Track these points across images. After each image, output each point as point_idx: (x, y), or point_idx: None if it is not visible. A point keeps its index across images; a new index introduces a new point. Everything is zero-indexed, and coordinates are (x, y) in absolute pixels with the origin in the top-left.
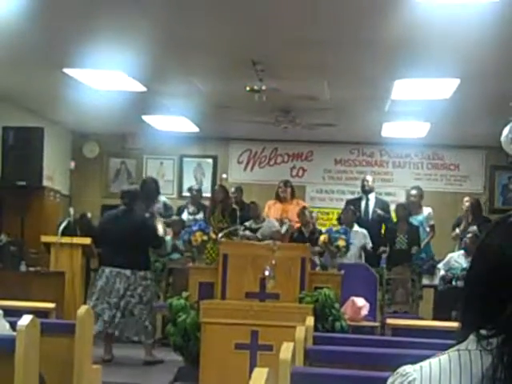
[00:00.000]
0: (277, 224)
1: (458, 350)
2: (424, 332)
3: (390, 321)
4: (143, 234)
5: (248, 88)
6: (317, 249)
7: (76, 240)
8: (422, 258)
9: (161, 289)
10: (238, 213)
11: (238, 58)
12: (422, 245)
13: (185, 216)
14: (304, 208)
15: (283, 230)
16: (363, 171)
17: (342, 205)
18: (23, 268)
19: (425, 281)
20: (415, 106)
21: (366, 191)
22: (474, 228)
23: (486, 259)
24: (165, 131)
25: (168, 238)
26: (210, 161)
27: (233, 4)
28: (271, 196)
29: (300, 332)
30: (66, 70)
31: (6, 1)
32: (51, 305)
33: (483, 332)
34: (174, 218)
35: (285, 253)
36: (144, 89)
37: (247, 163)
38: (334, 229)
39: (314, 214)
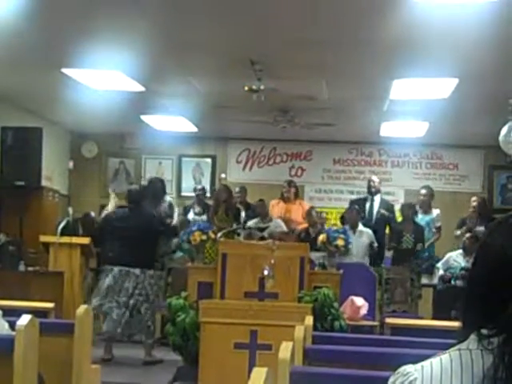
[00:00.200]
0: (283, 224)
1: (459, 350)
2: (423, 331)
3: (389, 320)
4: (154, 227)
5: (246, 88)
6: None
7: (75, 240)
8: (424, 257)
9: (160, 288)
10: (244, 213)
11: (237, 58)
12: (427, 245)
13: (191, 216)
14: (311, 208)
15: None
16: (362, 171)
17: (341, 204)
18: (22, 268)
19: (424, 280)
20: (414, 105)
21: (372, 192)
22: (482, 229)
23: (488, 259)
24: (163, 131)
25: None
26: (209, 160)
27: (231, 4)
28: (270, 196)
29: (299, 331)
30: (64, 70)
31: (4, 1)
32: (50, 304)
33: (484, 331)
34: (180, 217)
35: (284, 252)
36: (142, 89)
37: (246, 163)
38: (333, 228)
39: (323, 215)
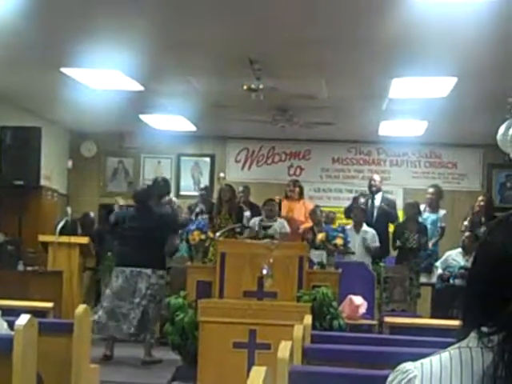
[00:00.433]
0: (286, 225)
1: (459, 348)
2: (422, 330)
3: (387, 319)
4: (163, 224)
5: (245, 87)
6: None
7: (74, 239)
8: (423, 255)
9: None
10: (248, 213)
11: (235, 57)
12: (431, 244)
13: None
14: (316, 207)
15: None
16: (361, 170)
17: (340, 203)
18: (21, 267)
19: (422, 279)
20: (413, 104)
21: (372, 191)
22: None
23: (488, 257)
24: (162, 130)
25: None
26: (208, 160)
27: (230, 3)
28: (269, 195)
29: (298, 330)
30: (63, 70)
31: (3, 0)
32: (49, 304)
33: (484, 329)
34: (185, 216)
35: (283, 251)
36: (141, 88)
37: (245, 162)
38: (333, 227)
39: (331, 215)
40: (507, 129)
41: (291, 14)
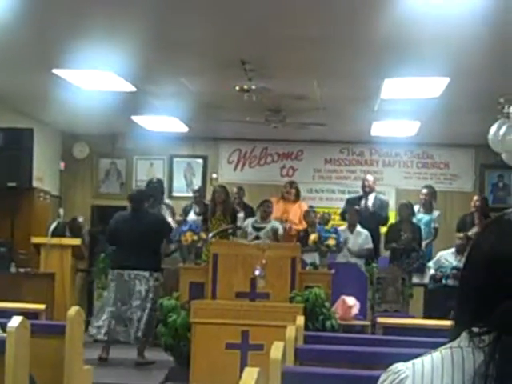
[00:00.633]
0: (280, 226)
1: (451, 348)
2: (414, 330)
3: (380, 319)
4: (159, 229)
5: (238, 88)
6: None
7: (66, 241)
8: (415, 256)
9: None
10: (242, 214)
11: (228, 58)
12: (424, 245)
13: (191, 216)
14: (310, 208)
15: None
16: (353, 170)
17: (332, 204)
18: (13, 269)
19: (415, 279)
20: (405, 104)
21: (366, 192)
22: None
23: (480, 258)
24: (155, 131)
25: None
26: (200, 161)
27: (222, 4)
28: (261, 195)
29: (290, 331)
30: (55, 71)
31: None
32: (41, 306)
33: (475, 329)
34: (180, 218)
35: (275, 252)
36: (134, 89)
37: (237, 163)
38: (325, 228)
39: (326, 216)
40: (498, 129)
41: (283, 14)
